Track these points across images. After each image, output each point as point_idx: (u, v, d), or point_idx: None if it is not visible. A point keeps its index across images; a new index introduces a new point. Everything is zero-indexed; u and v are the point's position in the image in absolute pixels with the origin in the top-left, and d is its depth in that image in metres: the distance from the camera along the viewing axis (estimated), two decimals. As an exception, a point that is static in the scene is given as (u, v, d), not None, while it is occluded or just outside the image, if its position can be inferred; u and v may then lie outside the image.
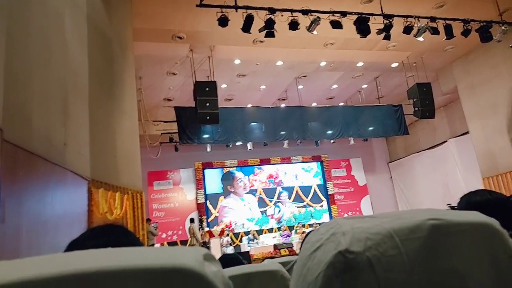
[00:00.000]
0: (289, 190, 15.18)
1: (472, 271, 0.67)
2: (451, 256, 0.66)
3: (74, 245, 0.81)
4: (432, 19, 7.53)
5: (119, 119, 6.06)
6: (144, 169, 8.05)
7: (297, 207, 15.01)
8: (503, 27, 7.85)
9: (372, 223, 0.67)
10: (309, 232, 1.33)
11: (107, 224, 0.88)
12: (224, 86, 11.32)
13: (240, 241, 13.20)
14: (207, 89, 8.62)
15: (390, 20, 7.15)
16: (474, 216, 0.71)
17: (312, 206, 15.18)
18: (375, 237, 0.63)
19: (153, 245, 10.39)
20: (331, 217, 15.10)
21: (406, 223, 0.66)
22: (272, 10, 6.64)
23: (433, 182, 14.25)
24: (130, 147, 6.40)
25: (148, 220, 10.25)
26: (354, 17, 7.07)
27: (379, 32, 7.28)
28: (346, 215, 15.32)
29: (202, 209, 13.79)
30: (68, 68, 4.40)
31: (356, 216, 0.72)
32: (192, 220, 11.90)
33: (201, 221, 12.90)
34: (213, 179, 14.51)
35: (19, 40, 3.38)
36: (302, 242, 1.36)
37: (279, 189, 15.10)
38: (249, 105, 11.92)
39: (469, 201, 1.24)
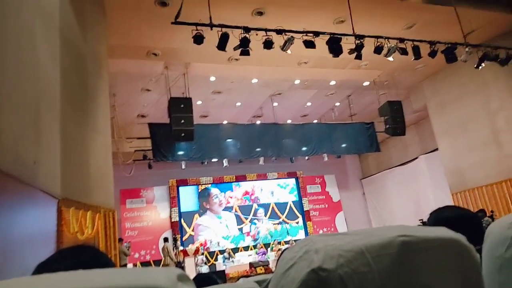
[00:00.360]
0: (265, 206, 15.15)
1: (442, 287, 0.69)
2: (421, 272, 0.68)
3: (43, 268, 0.78)
4: (401, 40, 7.80)
5: (92, 136, 5.94)
6: (116, 187, 7.88)
7: (273, 224, 14.97)
8: (467, 49, 8.21)
9: (344, 240, 0.68)
10: (284, 250, 1.33)
11: (77, 245, 0.86)
12: (199, 102, 11.31)
13: (216, 260, 13.01)
14: (182, 105, 8.59)
15: (362, 40, 7.36)
16: (443, 232, 0.73)
17: (288, 223, 15.17)
18: (347, 254, 0.65)
19: (125, 265, 10.09)
20: (306, 233, 15.12)
21: (377, 240, 0.68)
22: (247, 29, 6.73)
23: (405, 198, 14.55)
24: (102, 164, 6.26)
25: (121, 239, 9.97)
26: (327, 37, 7.25)
27: (351, 51, 7.47)
28: (321, 231, 15.39)
29: (176, 228, 13.54)
30: (40, 84, 4.30)
31: (329, 233, 0.73)
32: (166, 240, 11.64)
33: (175, 240, 12.66)
34: (187, 197, 14.31)
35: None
36: (278, 260, 1.36)
37: (255, 206, 15.05)
38: (225, 122, 11.94)
39: (438, 217, 1.28)
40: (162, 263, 11.27)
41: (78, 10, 5.74)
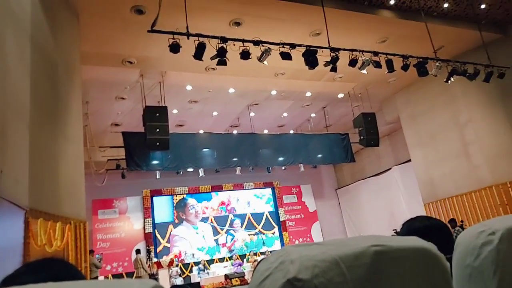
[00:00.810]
0: (242, 217, 15.09)
1: (413, 296, 0.69)
2: (394, 281, 0.68)
3: (9, 282, 0.74)
4: (375, 53, 7.99)
5: (63, 145, 5.78)
6: (88, 197, 7.68)
7: (249, 234, 14.90)
8: (437, 63, 8.49)
9: (319, 250, 0.68)
10: (260, 261, 1.32)
11: (45, 258, 0.82)
12: (175, 111, 11.22)
13: (190, 271, 12.82)
14: (157, 114, 8.50)
15: (337, 53, 7.50)
16: (414, 242, 0.74)
17: (264, 233, 15.14)
18: (322, 264, 0.64)
19: (96, 278, 9.78)
20: (282, 244, 15.11)
21: (351, 250, 0.68)
22: (224, 39, 6.74)
23: (379, 208, 14.79)
24: (73, 174, 6.09)
25: (92, 251, 9.69)
26: (303, 49, 7.34)
27: (327, 64, 7.59)
28: (297, 241, 15.42)
29: (150, 239, 13.29)
30: (8, 90, 4.16)
31: (304, 243, 0.73)
32: (138, 251, 11.38)
33: (148, 251, 12.42)
34: (162, 207, 14.09)
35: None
36: (253, 271, 1.34)
37: (231, 216, 14.95)
38: (201, 131, 11.87)
39: (410, 227, 1.30)
40: (134, 275, 10.99)
41: (49, 16, 5.62)
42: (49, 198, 5.14)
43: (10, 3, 4.43)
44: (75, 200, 6.03)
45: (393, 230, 9.95)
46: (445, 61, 8.67)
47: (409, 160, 12.65)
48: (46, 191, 5.08)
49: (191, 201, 14.51)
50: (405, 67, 8.36)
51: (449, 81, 8.87)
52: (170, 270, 11.46)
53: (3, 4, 4.26)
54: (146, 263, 11.49)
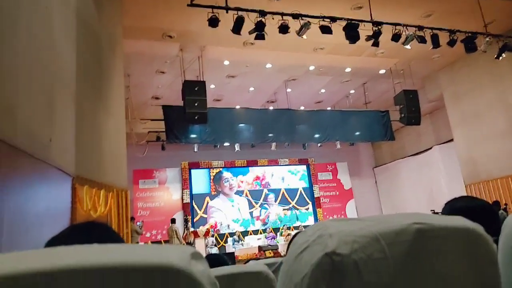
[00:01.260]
0: (276, 192, 15.21)
1: (455, 276, 0.68)
2: (435, 260, 0.67)
3: (55, 242, 0.78)
4: (420, 28, 7.63)
5: (106, 116, 5.99)
6: (129, 167, 7.98)
7: (283, 209, 15.04)
8: (487, 39, 8.00)
9: (359, 225, 0.67)
10: (295, 234, 1.33)
11: (88, 221, 0.85)
12: (213, 86, 11.29)
13: (225, 242, 13.16)
14: (196, 88, 8.59)
15: (379, 27, 7.23)
16: (459, 221, 0.72)
17: (297, 209, 15.23)
18: (362, 240, 0.64)
19: (137, 243, 10.27)
20: (316, 220, 15.16)
21: (392, 227, 0.67)
22: (262, 13, 6.65)
23: (418, 188, 14.45)
24: (116, 144, 6.33)
25: (132, 218, 10.15)
26: (344, 23, 7.12)
27: (368, 38, 7.35)
28: (331, 218, 15.39)
29: (188, 209, 13.71)
30: (56, 63, 4.33)
31: (343, 218, 0.72)
32: (173, 221, 11.71)
33: (186, 221, 12.82)
34: (199, 179, 14.44)
35: (5, 33, 3.32)
36: (289, 244, 1.36)
37: (265, 191, 15.11)
38: (238, 107, 11.91)
39: (453, 207, 1.26)
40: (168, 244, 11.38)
41: (94, -10, 5.73)
42: (93, 167, 5.39)
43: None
44: (117, 170, 6.29)
45: (431, 210, 9.71)
46: (496, 36, 8.16)
47: (451, 140, 12.19)
48: (90, 160, 5.32)
49: (226, 174, 14.76)
50: (451, 43, 7.94)
51: (500, 57, 8.36)
52: (206, 240, 11.84)
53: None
54: (184, 232, 11.90)
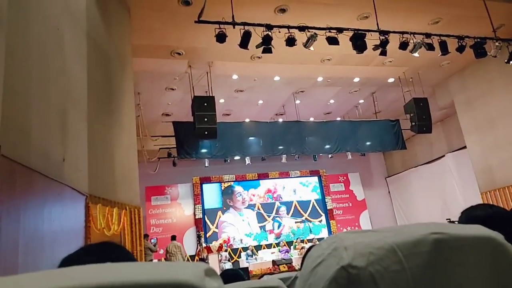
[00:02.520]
0: (288, 205, 15.11)
1: (476, 286, 0.66)
2: (455, 271, 0.65)
3: (68, 262, 0.80)
4: (427, 35, 7.61)
5: (118, 135, 6.06)
6: (141, 184, 8.01)
7: (296, 222, 14.92)
8: (497, 43, 7.93)
9: (374, 237, 0.66)
10: (310, 247, 1.31)
11: (101, 241, 0.87)
12: (222, 101, 11.36)
13: (239, 257, 13.07)
14: (205, 104, 8.66)
15: (386, 36, 7.22)
16: (478, 230, 0.70)
17: (310, 221, 15.09)
18: (378, 251, 0.63)
19: (151, 261, 10.25)
20: (330, 232, 14.99)
21: (409, 238, 0.66)
22: (269, 27, 6.71)
23: (431, 197, 14.23)
24: (128, 162, 6.38)
25: (146, 235, 10.15)
26: (350, 33, 7.14)
27: (376, 48, 7.34)
28: (345, 230, 15.22)
29: (200, 225, 13.68)
30: (67, 83, 4.41)
31: (358, 230, 0.71)
32: (173, 237, 11.48)
33: (199, 236, 12.80)
34: (211, 194, 14.44)
35: (18, 54, 3.40)
36: (303, 258, 1.34)
37: (277, 203, 15.03)
38: (247, 120, 11.95)
39: (470, 215, 1.23)
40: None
41: (103, 10, 5.86)
42: (106, 185, 5.43)
43: (67, 0, 4.67)
44: (130, 187, 6.32)
45: (447, 219, 9.53)
46: (506, 41, 8.09)
47: (464, 147, 12.01)
48: (103, 178, 5.37)
49: (238, 188, 14.74)
50: (460, 49, 7.89)
51: (511, 62, 8.28)
52: (220, 255, 11.76)
53: (62, 2, 4.50)
54: (197, 247, 11.84)
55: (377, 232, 0.69)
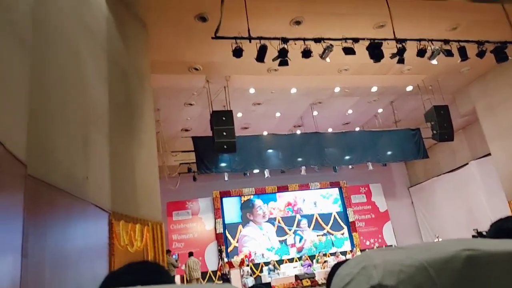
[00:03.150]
0: (308, 217, 14.96)
1: (512, 304, 0.64)
2: (489, 289, 0.63)
3: (112, 279, 0.84)
4: (446, 41, 7.52)
5: (138, 151, 6.15)
6: (163, 199, 8.08)
7: (317, 235, 14.73)
8: (518, 47, 7.78)
9: (404, 254, 0.64)
10: (336, 264, 1.29)
11: (143, 261, 0.92)
12: (240, 115, 11.43)
13: (261, 271, 12.96)
14: (223, 118, 8.72)
15: (403, 44, 7.17)
16: (511, 245, 0.68)
17: (332, 234, 14.88)
18: (408, 269, 0.61)
19: (173, 276, 10.28)
20: (353, 245, 14.73)
21: (439, 254, 0.64)
22: (285, 40, 6.76)
23: (456, 206, 13.87)
24: (149, 178, 6.45)
25: (168, 251, 10.19)
26: (367, 42, 7.12)
27: (393, 56, 7.29)
28: (368, 242, 14.94)
29: (221, 239, 13.66)
30: (89, 102, 4.52)
31: (386, 247, 0.70)
32: (191, 254, 11.49)
33: (220, 251, 12.76)
34: (231, 208, 14.44)
35: (41, 76, 3.51)
36: (329, 275, 1.32)
37: (298, 216, 14.89)
38: (265, 133, 11.97)
39: (500, 229, 1.17)
40: (188, 278, 11.08)
41: (121, 29, 6.01)
42: (128, 202, 5.50)
43: (87, 20, 4.82)
44: (151, 203, 6.38)
45: (474, 230, 9.26)
46: (528, 44, 7.92)
47: (488, 154, 11.71)
48: (125, 195, 5.44)
49: (258, 202, 14.69)
50: (480, 54, 7.76)
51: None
52: (242, 270, 11.69)
53: (82, 22, 4.64)
54: (218, 262, 11.80)
55: (407, 249, 0.67)
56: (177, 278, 11.71)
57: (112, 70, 5.44)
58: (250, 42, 6.58)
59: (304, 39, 6.94)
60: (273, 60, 6.93)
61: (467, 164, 13.53)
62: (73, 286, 3.59)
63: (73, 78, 4.22)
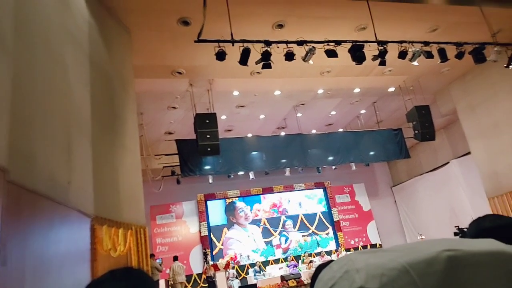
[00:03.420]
0: (294, 218, 15.01)
1: (492, 303, 0.65)
2: (470, 289, 0.64)
3: (94, 286, 0.84)
4: (426, 43, 7.65)
5: (122, 155, 6.07)
6: (146, 203, 7.99)
7: (303, 235, 14.79)
8: (496, 48, 7.96)
9: (386, 257, 0.65)
10: (319, 267, 1.29)
11: (126, 267, 0.91)
12: (223, 117, 11.41)
13: (246, 273, 12.94)
14: (207, 121, 8.69)
15: (385, 46, 7.27)
16: (492, 245, 0.69)
17: (317, 234, 14.96)
18: (391, 272, 0.62)
19: (158, 281, 10.17)
20: (337, 244, 14.84)
21: (421, 256, 0.65)
22: (268, 43, 6.77)
23: (438, 204, 14.11)
24: (132, 182, 6.38)
25: (152, 255, 10.07)
26: (349, 45, 7.19)
27: (375, 58, 7.38)
28: (352, 241, 15.08)
29: (206, 242, 13.59)
30: (71, 107, 4.45)
31: (368, 250, 0.71)
32: (175, 258, 11.51)
33: (205, 254, 12.69)
34: (216, 211, 14.37)
35: (23, 81, 3.44)
36: (312, 278, 1.32)
37: (283, 217, 14.93)
38: (249, 135, 11.97)
39: (480, 227, 1.20)
40: (172, 282, 11.07)
41: (104, 34, 5.94)
42: (111, 206, 5.42)
43: (70, 26, 4.74)
44: (134, 207, 6.31)
45: (455, 227, 9.42)
46: (505, 45, 8.12)
47: (469, 153, 11.96)
48: (108, 199, 5.36)
49: (240, 204, 14.66)
50: (459, 55, 7.93)
51: (510, 66, 8.30)
52: (227, 272, 11.64)
53: (64, 28, 4.57)
54: (203, 265, 11.73)
55: (388, 251, 0.68)
56: (161, 282, 11.60)
57: (95, 74, 5.36)
58: (233, 45, 6.58)
59: (287, 42, 6.98)
60: (256, 63, 6.94)
61: (448, 163, 13.79)
62: (55, 294, 3.52)
63: (55, 83, 4.15)
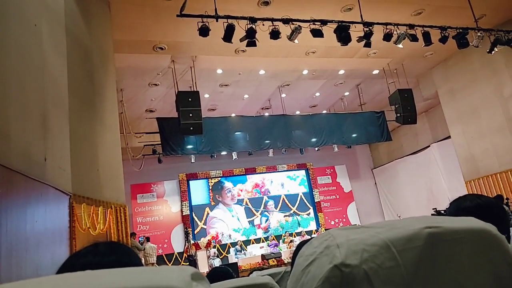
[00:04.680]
0: (276, 199, 15.14)
1: (472, 280, 0.65)
2: (450, 265, 0.64)
3: (75, 259, 0.79)
4: (411, 26, 7.66)
5: (101, 132, 5.95)
6: (127, 182, 7.91)
7: (284, 216, 14.97)
8: (479, 34, 8.04)
9: (367, 233, 0.64)
10: (300, 243, 1.29)
11: (112, 242, 0.88)
12: (207, 96, 11.28)
13: (228, 252, 13.07)
14: (189, 99, 8.57)
15: (370, 27, 7.24)
16: (471, 222, 0.69)
17: (299, 215, 15.16)
18: (372, 248, 0.61)
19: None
20: (318, 225, 15.09)
21: (402, 233, 0.64)
22: (253, 20, 6.65)
23: (417, 187, 14.43)
24: (112, 160, 6.28)
25: (133, 234, 10.05)
26: (335, 25, 7.14)
27: (360, 39, 7.36)
28: (333, 222, 15.35)
29: (188, 222, 13.61)
30: (47, 81, 4.30)
31: (350, 226, 0.69)
32: (148, 239, 11.33)
33: (187, 233, 12.74)
34: (198, 190, 14.36)
35: (-5, 53, 3.29)
36: (293, 254, 1.32)
37: (265, 198, 15.04)
38: (233, 115, 11.90)
39: (459, 207, 1.21)
40: (144, 263, 11.00)
41: (82, 6, 5.73)
42: (90, 184, 5.34)
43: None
44: (114, 185, 6.23)
45: (433, 209, 9.68)
46: (488, 31, 8.20)
47: (449, 137, 12.20)
48: (87, 177, 5.27)
49: (228, 184, 14.70)
50: (443, 39, 7.98)
51: (493, 52, 8.40)
52: (208, 251, 11.74)
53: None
54: (185, 244, 11.77)
55: (370, 228, 0.67)
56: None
57: (72, 48, 5.18)
58: (217, 21, 6.43)
59: (273, 20, 6.87)
60: (241, 40, 6.83)
61: (428, 146, 14.05)
62: (31, 271, 3.47)
63: (30, 55, 3.98)
